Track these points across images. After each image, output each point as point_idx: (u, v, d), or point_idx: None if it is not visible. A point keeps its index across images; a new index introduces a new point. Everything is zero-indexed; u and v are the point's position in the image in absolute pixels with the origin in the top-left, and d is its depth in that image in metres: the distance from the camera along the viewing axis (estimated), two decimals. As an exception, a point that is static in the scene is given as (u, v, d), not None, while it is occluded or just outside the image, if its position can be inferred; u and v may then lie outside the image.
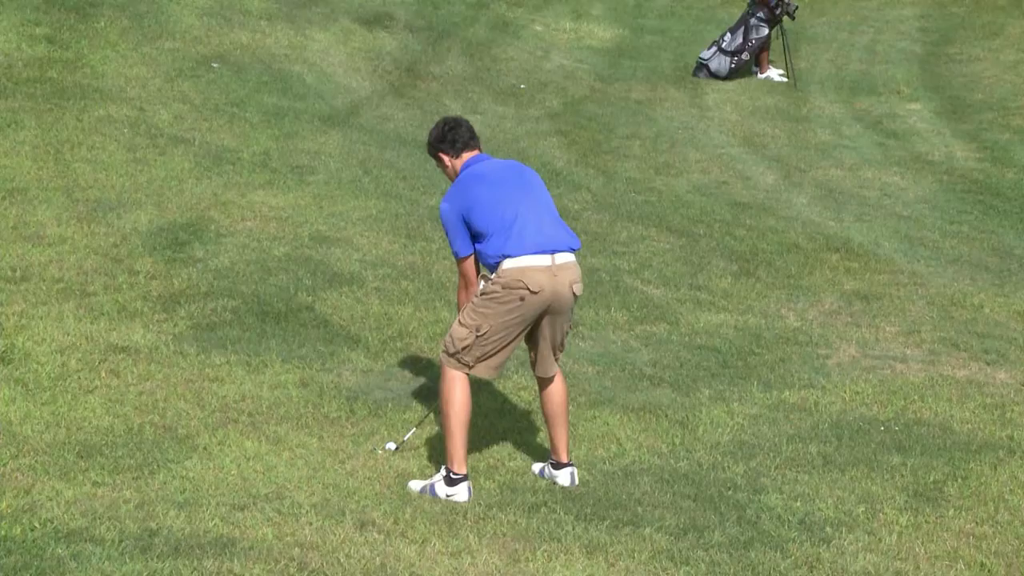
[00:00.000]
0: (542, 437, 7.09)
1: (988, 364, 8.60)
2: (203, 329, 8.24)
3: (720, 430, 7.45)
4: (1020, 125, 14.79)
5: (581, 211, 11.59)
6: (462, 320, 6.42)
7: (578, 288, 6.47)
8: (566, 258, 6.42)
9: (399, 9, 17.17)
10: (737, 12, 17.54)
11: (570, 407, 6.83)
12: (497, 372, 6.58)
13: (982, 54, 17.64)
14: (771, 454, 7.08)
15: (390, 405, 7.48)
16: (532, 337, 6.54)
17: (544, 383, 6.66)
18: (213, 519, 5.87)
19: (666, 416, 7.59)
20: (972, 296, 9.97)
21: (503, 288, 6.30)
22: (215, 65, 13.66)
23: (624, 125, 14.77)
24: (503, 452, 7.04)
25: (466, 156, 6.63)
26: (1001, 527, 6.25)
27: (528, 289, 6.28)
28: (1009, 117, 15.04)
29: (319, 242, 9.89)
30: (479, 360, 6.40)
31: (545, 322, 6.46)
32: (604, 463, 6.94)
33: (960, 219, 12.25)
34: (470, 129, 6.69)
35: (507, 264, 6.31)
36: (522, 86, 15.73)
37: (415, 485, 6.49)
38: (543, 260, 6.33)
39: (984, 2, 19.38)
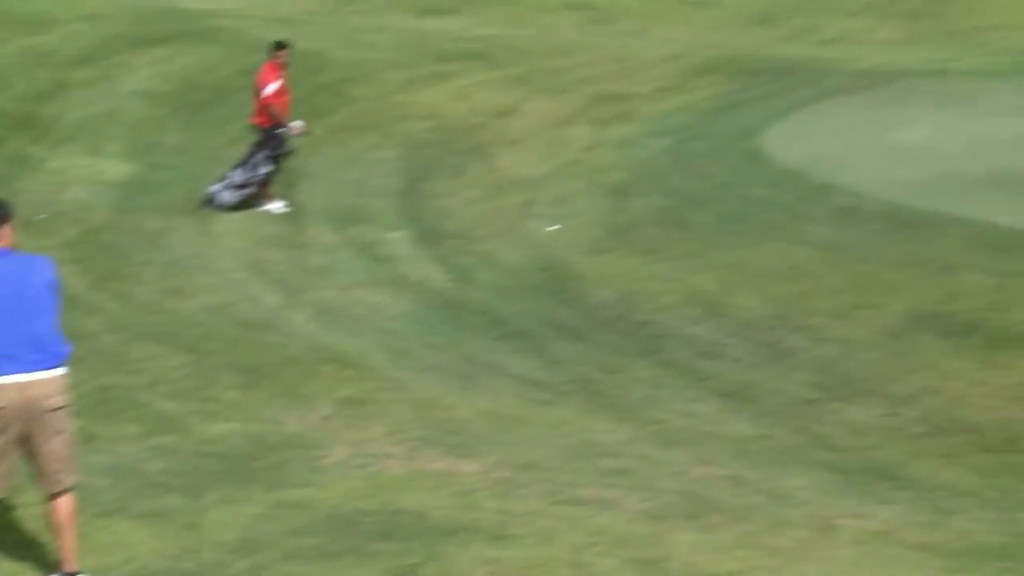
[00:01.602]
0: (53, 549, 6.64)
1: (458, 457, 8.91)
2: None
3: (226, 530, 7.28)
4: (481, 250, 15.58)
5: (98, 333, 11.11)
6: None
7: (53, 401, 6.23)
8: (39, 375, 6.19)
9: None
10: (244, 150, 17.54)
11: (80, 518, 6.48)
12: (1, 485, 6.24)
13: (451, 190, 18.52)
14: (272, 549, 6.99)
15: None
16: (31, 453, 6.30)
17: (51, 496, 6.35)
18: None
19: (175, 520, 7.33)
20: (445, 398, 10.36)
21: None
22: None
23: (139, 252, 14.35)
24: (11, 569, 6.54)
25: None
26: (469, 600, 6.46)
27: None
28: (472, 244, 15.82)
29: None
30: None
31: (32, 436, 6.21)
32: (114, 570, 6.60)
33: (436, 331, 12.73)
34: None
35: None
36: (41, 216, 14.95)
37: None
38: (11, 379, 6.12)
39: (452, 146, 20.42)
